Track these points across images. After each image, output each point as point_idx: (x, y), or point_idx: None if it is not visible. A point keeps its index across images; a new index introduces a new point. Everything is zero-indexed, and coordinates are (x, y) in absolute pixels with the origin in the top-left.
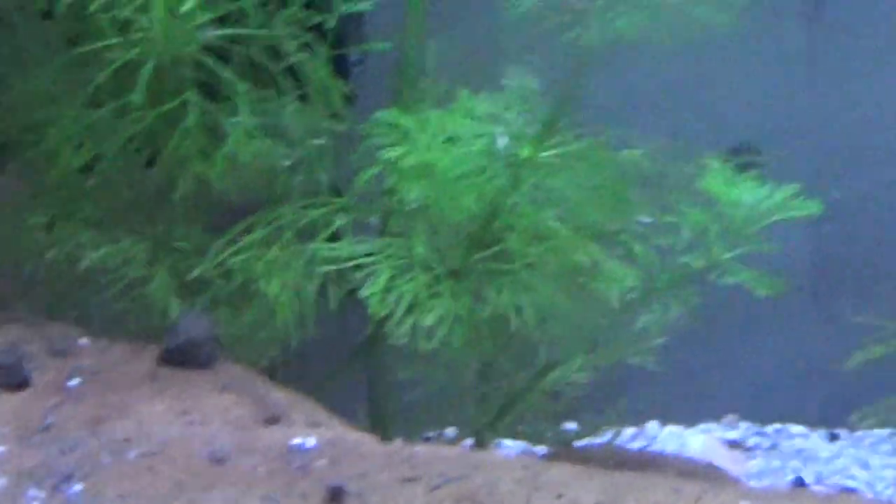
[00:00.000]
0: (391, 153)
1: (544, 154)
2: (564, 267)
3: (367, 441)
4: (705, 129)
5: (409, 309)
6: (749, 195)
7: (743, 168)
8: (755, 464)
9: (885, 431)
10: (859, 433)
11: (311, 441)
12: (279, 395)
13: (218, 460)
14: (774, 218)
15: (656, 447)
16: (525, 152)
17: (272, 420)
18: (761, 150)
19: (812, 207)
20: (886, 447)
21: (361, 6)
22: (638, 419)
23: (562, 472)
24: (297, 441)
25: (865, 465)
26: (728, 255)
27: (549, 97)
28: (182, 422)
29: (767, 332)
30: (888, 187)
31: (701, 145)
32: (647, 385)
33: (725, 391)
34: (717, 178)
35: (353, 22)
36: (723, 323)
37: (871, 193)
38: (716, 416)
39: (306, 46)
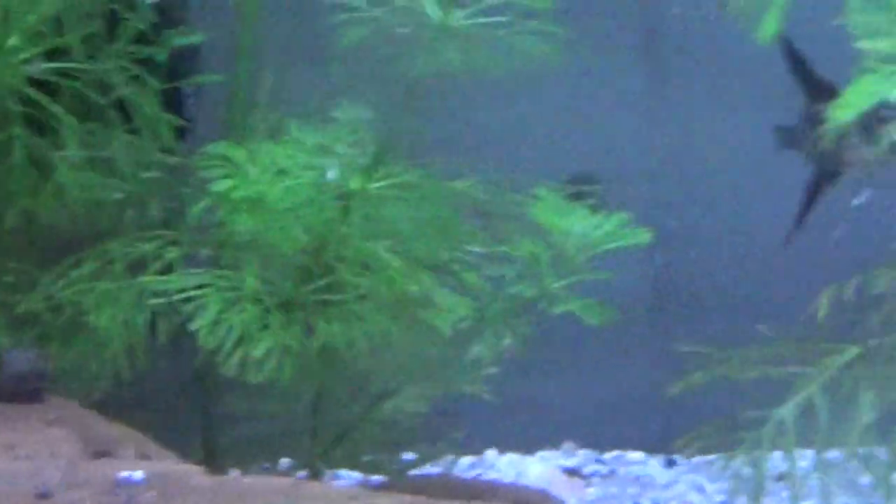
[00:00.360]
0: (221, 185)
1: (374, 185)
2: (396, 297)
3: (196, 474)
4: (543, 162)
5: (239, 341)
6: (580, 225)
7: (578, 198)
8: (593, 491)
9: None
10: (696, 459)
11: (139, 474)
12: (108, 429)
13: (44, 495)
14: (605, 247)
15: (494, 475)
16: (354, 184)
17: (101, 454)
18: (599, 181)
19: (643, 237)
20: (726, 472)
21: (193, 39)
22: (477, 447)
23: (391, 502)
24: (125, 474)
25: (701, 490)
26: (560, 284)
27: (380, 129)
28: (8, 457)
29: (605, 360)
30: (725, 218)
31: (538, 177)
32: (486, 413)
33: (563, 419)
34: (547, 208)
35: (187, 54)
36: (561, 350)
37: (708, 224)
38: (554, 444)
39: (137, 79)
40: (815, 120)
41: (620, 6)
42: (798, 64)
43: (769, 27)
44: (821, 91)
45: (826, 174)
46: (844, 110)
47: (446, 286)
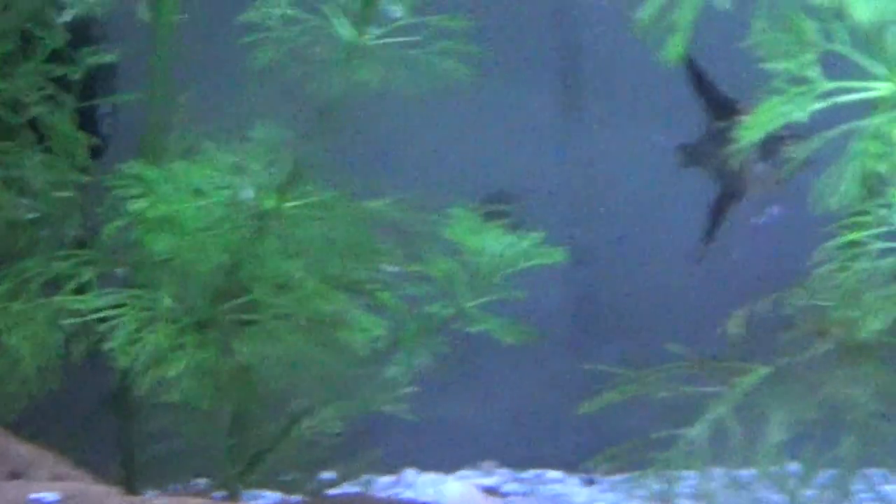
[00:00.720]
0: (136, 205)
1: (289, 205)
2: (311, 317)
3: (111, 494)
4: (458, 181)
5: (154, 360)
6: (494, 244)
7: (495, 217)
8: None
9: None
10: (615, 477)
11: (52, 495)
12: (22, 449)
13: None
14: (520, 266)
15: (413, 495)
16: (269, 203)
17: (14, 474)
18: (515, 200)
19: (557, 256)
20: (640, 491)
21: (108, 58)
22: (395, 466)
23: None
24: (38, 495)
25: None
26: (475, 303)
27: (295, 148)
28: None
29: (524, 377)
30: (642, 236)
31: (453, 197)
32: (404, 432)
33: (482, 437)
34: (461, 227)
35: (103, 73)
36: (479, 368)
37: (626, 242)
38: (472, 463)
39: (51, 98)
40: (717, 137)
41: (535, 25)
42: (700, 81)
43: (675, 48)
44: (723, 108)
45: (730, 193)
46: (752, 131)
47: (362, 306)
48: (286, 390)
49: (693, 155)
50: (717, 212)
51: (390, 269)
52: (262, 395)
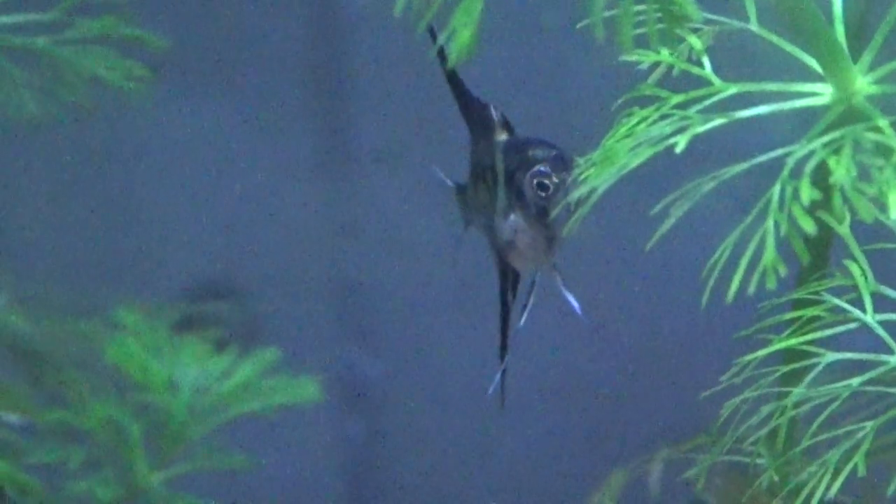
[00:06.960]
0: None
1: None
2: None
3: None
4: (143, 262)
5: None
6: (194, 372)
7: (198, 325)
8: None
9: None
10: None
11: None
12: None
13: None
14: (240, 409)
15: None
16: None
17: None
18: (237, 293)
19: (310, 391)
20: None
21: None
22: None
23: None
24: None
25: None
26: (162, 477)
27: None
28: None
29: None
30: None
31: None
32: None
33: None
34: (135, 346)
35: None
36: None
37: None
38: None
39: None
40: (482, 172)
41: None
42: (453, 81)
43: (462, 38)
44: (477, 119)
45: (508, 270)
46: (601, 171)
47: None
48: None
49: (469, 204)
50: (505, 300)
51: (10, 418)
52: None
